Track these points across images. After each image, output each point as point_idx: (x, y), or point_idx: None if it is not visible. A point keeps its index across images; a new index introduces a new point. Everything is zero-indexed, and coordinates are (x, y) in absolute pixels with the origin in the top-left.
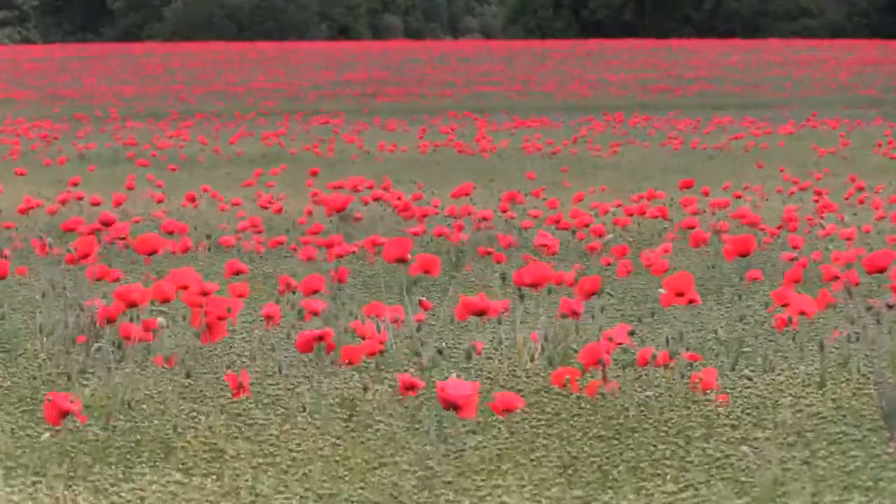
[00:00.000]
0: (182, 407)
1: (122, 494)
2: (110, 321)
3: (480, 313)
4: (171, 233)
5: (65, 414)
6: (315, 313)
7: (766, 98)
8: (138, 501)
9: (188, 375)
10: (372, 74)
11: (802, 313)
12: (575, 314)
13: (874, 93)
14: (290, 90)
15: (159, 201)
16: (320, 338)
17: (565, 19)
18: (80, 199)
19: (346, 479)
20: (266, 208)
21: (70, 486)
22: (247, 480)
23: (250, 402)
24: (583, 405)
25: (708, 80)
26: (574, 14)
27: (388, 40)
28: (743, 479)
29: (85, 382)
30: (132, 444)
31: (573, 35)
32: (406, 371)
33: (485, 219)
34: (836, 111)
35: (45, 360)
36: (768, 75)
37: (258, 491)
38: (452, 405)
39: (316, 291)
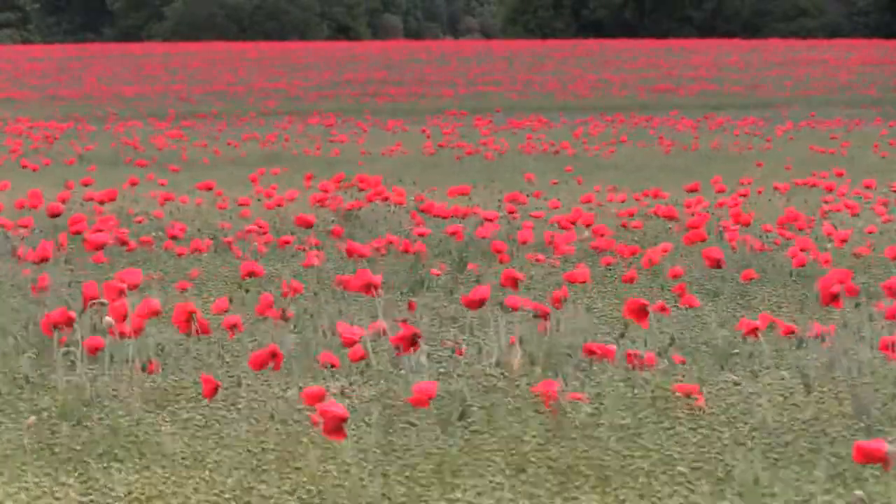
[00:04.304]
0: (150, 408)
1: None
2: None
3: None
4: (173, 237)
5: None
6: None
7: (766, 98)
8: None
9: (158, 378)
10: (372, 74)
11: (772, 323)
12: (545, 316)
13: (874, 93)
14: (290, 90)
15: (164, 200)
16: (272, 354)
17: (565, 19)
18: (63, 201)
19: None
20: (271, 208)
21: (54, 478)
22: (224, 479)
23: (223, 404)
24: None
25: (708, 80)
26: (574, 14)
27: (388, 40)
28: (723, 478)
29: (48, 382)
30: (93, 444)
31: (573, 35)
32: (389, 375)
33: (488, 219)
34: (836, 111)
35: (13, 358)
36: (768, 75)
37: (239, 491)
38: (340, 422)
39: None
